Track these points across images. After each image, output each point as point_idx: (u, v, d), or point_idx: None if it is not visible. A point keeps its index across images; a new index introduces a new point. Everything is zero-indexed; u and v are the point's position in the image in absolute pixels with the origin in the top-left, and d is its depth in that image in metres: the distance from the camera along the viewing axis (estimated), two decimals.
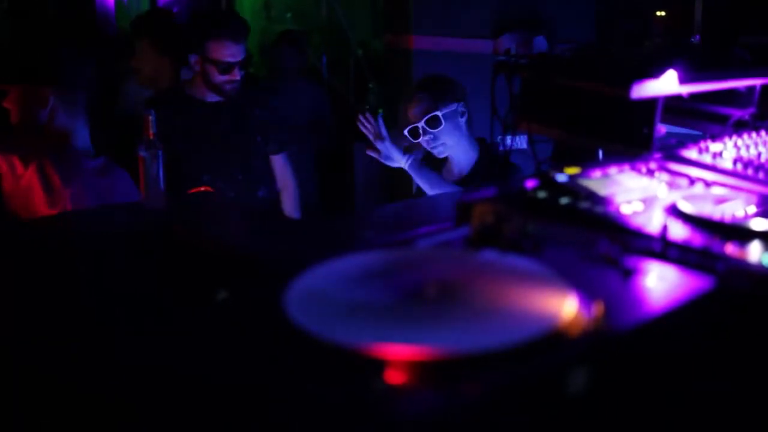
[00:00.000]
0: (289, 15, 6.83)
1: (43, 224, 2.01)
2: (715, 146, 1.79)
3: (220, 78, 3.26)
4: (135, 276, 1.27)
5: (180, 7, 6.35)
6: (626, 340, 1.02)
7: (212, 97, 3.36)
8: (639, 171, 1.70)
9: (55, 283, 1.24)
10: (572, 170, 1.63)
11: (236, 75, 3.27)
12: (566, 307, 1.01)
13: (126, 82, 4.19)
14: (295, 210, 3.57)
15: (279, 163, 3.54)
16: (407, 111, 3.13)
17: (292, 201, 3.57)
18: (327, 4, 6.57)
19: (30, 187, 2.45)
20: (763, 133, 1.94)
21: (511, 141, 1.83)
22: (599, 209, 1.47)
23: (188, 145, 3.27)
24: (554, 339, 0.96)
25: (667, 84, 1.77)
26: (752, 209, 1.44)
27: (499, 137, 1.69)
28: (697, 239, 1.31)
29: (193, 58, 3.30)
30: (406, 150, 3.16)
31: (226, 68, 3.25)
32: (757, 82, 1.99)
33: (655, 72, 1.73)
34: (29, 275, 1.27)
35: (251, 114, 3.43)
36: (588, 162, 1.78)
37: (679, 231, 1.35)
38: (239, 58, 3.28)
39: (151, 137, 1.85)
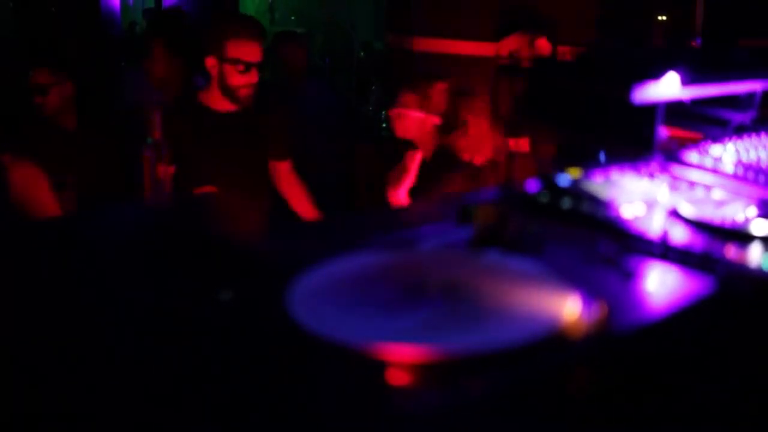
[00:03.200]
0: (293, 17, 6.84)
1: (44, 224, 2.01)
2: (715, 149, 1.79)
3: (237, 80, 3.20)
4: (137, 275, 1.27)
5: (188, 8, 6.36)
6: (627, 343, 1.02)
7: (225, 107, 3.30)
8: (640, 174, 1.71)
9: (56, 283, 1.24)
10: (574, 173, 1.64)
11: (254, 77, 3.21)
12: (568, 308, 1.02)
13: (135, 72, 4.14)
14: (312, 212, 3.53)
15: (285, 170, 3.52)
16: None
17: (307, 205, 3.54)
18: (330, 6, 6.58)
19: None
20: (763, 136, 1.94)
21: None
22: (601, 212, 1.48)
23: (196, 154, 3.20)
24: (556, 340, 0.96)
25: (669, 87, 1.77)
26: (753, 213, 1.45)
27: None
28: (698, 242, 1.32)
29: (209, 62, 3.22)
30: None
31: (245, 68, 3.18)
32: (758, 85, 1.99)
33: (657, 75, 1.74)
34: (30, 275, 1.27)
35: (262, 124, 3.39)
36: (590, 165, 1.78)
37: (679, 234, 1.36)
38: (257, 59, 3.23)
39: (157, 137, 1.85)
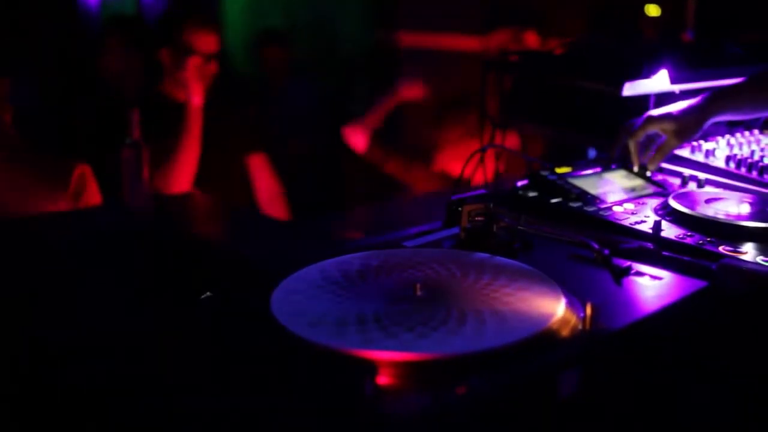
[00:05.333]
0: (277, 12, 6.82)
1: (24, 225, 1.99)
2: (707, 145, 1.78)
3: (193, 69, 3.02)
4: (119, 278, 1.26)
5: (163, 6, 6.30)
6: (619, 340, 1.01)
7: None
8: (631, 169, 1.70)
9: (38, 284, 1.23)
10: (563, 169, 1.63)
11: (212, 68, 3.07)
12: (557, 308, 1.00)
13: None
14: (277, 209, 3.42)
15: (256, 164, 3.40)
16: None
17: (271, 201, 3.41)
18: (316, 2, 6.56)
19: None
20: (756, 131, 1.94)
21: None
22: (590, 208, 1.47)
23: (163, 146, 3.11)
24: (545, 340, 0.95)
25: (659, 82, 1.76)
26: (745, 207, 1.44)
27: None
28: (690, 238, 1.31)
29: (164, 52, 3.07)
30: None
31: (203, 58, 3.03)
32: None
33: (647, 71, 1.73)
34: (8, 277, 1.26)
35: (229, 117, 3.28)
36: (579, 160, 1.77)
37: (671, 230, 1.35)
38: (214, 49, 3.09)
39: (135, 137, 1.83)
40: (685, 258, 1.23)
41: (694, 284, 1.15)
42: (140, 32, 3.87)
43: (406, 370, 0.88)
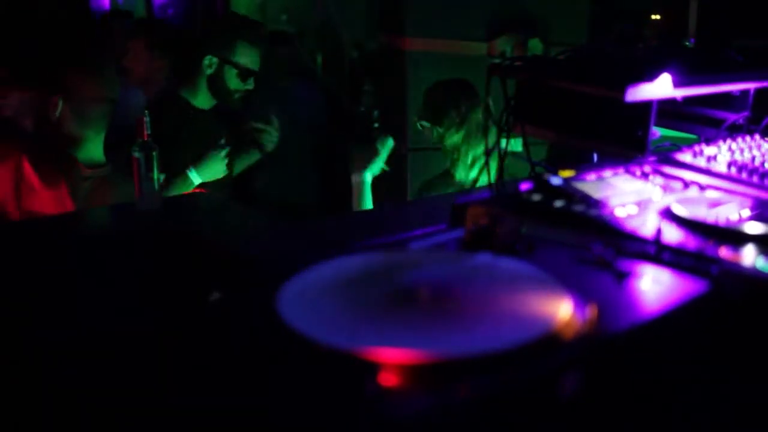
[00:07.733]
0: (284, 17, 6.82)
1: (35, 225, 2.00)
2: (709, 150, 1.78)
3: (235, 85, 3.17)
4: (127, 277, 1.26)
5: (174, 9, 6.33)
6: (620, 344, 1.01)
7: (210, 104, 3.25)
8: (633, 174, 1.70)
9: (47, 284, 1.23)
10: (567, 173, 1.63)
11: (250, 84, 3.20)
12: (560, 310, 1.00)
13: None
14: None
15: None
16: None
17: None
18: (322, 5, 6.57)
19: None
20: (757, 136, 1.94)
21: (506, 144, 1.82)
22: (593, 212, 1.46)
23: (183, 152, 3.15)
24: (547, 342, 0.95)
25: (662, 87, 1.76)
26: (746, 213, 1.44)
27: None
28: (692, 243, 1.30)
29: (207, 60, 3.17)
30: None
31: (246, 75, 3.16)
32: (751, 85, 1.98)
33: (650, 75, 1.73)
34: (18, 276, 1.26)
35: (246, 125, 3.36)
36: (582, 165, 1.77)
37: (673, 234, 1.35)
38: (257, 67, 3.22)
39: (146, 138, 1.84)
40: (686, 262, 1.23)
41: (695, 288, 1.15)
42: (166, 37, 3.91)
43: (408, 370, 0.88)
